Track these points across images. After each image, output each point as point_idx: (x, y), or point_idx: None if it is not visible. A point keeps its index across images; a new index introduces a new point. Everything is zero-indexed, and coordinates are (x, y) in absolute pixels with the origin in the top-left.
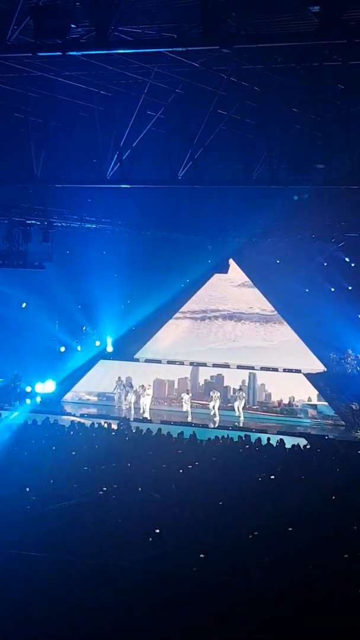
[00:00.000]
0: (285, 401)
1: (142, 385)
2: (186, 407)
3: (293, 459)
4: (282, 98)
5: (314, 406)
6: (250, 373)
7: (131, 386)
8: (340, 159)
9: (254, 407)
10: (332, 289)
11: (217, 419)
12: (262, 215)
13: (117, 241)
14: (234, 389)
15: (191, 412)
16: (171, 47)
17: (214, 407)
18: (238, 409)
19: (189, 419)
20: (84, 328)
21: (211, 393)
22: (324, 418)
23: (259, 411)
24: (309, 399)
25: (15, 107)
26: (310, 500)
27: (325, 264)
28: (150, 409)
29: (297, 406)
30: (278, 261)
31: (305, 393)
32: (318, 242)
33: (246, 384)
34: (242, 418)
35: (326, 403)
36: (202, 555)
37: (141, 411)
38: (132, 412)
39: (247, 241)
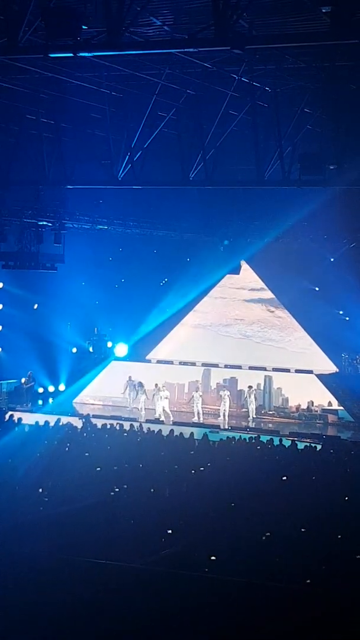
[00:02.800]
0: (304, 406)
1: (157, 386)
2: (197, 406)
3: (305, 459)
4: (293, 98)
5: (335, 411)
6: (265, 376)
7: (141, 386)
8: (353, 159)
9: (270, 412)
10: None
11: (227, 419)
12: (274, 216)
13: (128, 242)
14: (247, 389)
15: (202, 412)
16: (182, 47)
17: (224, 407)
18: (250, 409)
19: (200, 419)
20: (96, 329)
21: (221, 393)
22: (345, 425)
23: (276, 417)
24: (329, 404)
25: (27, 109)
26: (323, 500)
27: (337, 265)
28: (164, 411)
29: (317, 411)
30: (293, 264)
31: (324, 397)
32: (330, 243)
33: (261, 388)
34: (253, 417)
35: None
36: (213, 558)
37: (157, 414)
38: (143, 412)
39: (259, 242)
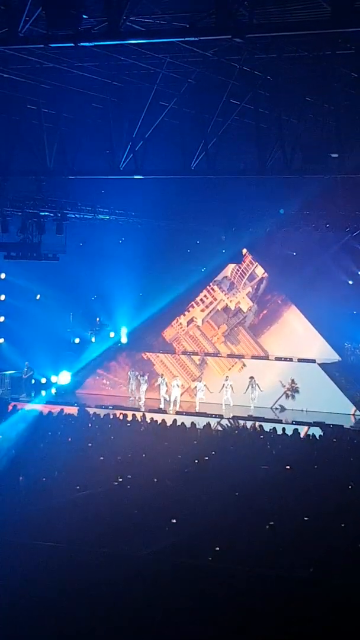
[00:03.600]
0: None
1: (163, 376)
2: (199, 395)
3: (308, 448)
4: (295, 87)
5: None
6: (268, 364)
7: (143, 377)
8: (355, 147)
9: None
10: (350, 282)
11: (230, 408)
12: (277, 205)
13: (130, 232)
14: (249, 379)
15: (205, 402)
16: (183, 36)
17: (226, 396)
18: (252, 399)
19: (203, 409)
20: (98, 319)
21: (223, 382)
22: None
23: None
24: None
25: (28, 99)
26: (326, 489)
27: (340, 254)
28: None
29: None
30: (295, 253)
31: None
32: (332, 232)
33: (263, 377)
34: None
35: None
36: (217, 548)
37: (170, 403)
38: (143, 402)
39: (262, 231)
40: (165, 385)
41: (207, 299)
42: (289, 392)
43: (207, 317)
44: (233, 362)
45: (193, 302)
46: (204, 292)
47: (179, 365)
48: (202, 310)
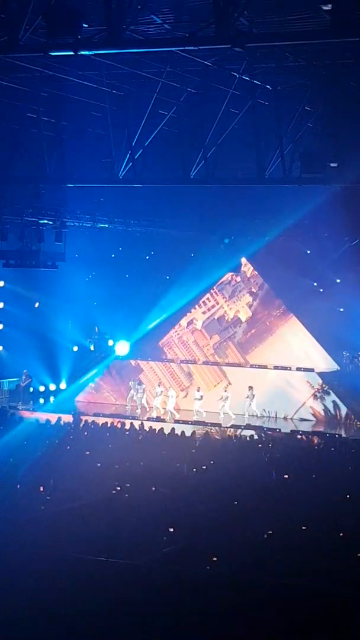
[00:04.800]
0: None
1: (161, 385)
2: (197, 404)
3: (307, 457)
4: (294, 96)
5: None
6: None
7: (141, 385)
8: (353, 157)
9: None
10: (338, 280)
11: (228, 417)
12: (276, 214)
13: (129, 240)
14: (248, 388)
15: (203, 411)
16: (183, 45)
17: (224, 405)
18: (250, 408)
19: (201, 418)
20: (97, 328)
21: (221, 392)
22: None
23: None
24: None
25: (28, 107)
26: (324, 498)
27: (338, 262)
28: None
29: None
30: (291, 260)
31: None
32: (331, 241)
33: (262, 386)
34: (254, 416)
35: None
36: (215, 558)
37: (160, 412)
38: (140, 411)
39: (260, 240)
40: (162, 394)
41: (209, 301)
42: (318, 394)
43: (206, 321)
44: (219, 379)
45: (191, 311)
46: (207, 294)
47: (169, 374)
48: (204, 313)
